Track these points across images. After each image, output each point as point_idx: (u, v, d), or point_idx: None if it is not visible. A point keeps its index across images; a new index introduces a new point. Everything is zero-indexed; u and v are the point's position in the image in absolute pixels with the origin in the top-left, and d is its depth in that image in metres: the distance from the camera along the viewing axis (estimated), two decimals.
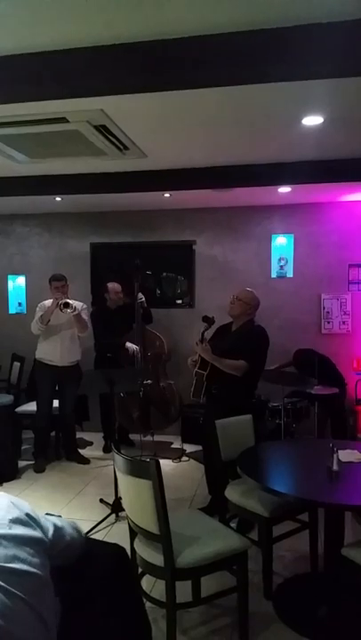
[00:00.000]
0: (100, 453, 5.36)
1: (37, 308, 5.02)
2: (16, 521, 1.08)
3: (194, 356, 3.83)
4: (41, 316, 4.87)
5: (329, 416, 5.08)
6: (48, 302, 4.94)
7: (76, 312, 4.80)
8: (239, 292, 3.86)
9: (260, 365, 3.77)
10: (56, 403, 5.10)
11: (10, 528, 1.05)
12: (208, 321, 3.86)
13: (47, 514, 1.33)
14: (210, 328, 3.89)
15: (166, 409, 5.26)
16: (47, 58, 2.24)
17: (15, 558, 1.02)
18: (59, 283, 4.89)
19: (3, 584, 0.99)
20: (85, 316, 5.00)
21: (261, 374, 3.86)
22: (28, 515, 1.12)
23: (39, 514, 1.22)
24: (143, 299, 5.25)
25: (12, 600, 0.99)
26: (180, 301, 6.17)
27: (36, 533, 1.10)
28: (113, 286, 5.40)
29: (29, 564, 1.04)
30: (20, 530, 1.06)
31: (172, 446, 5.55)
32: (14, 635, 0.99)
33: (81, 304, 5.01)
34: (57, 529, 1.26)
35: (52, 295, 4.88)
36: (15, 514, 1.09)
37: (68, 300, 4.76)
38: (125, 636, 1.42)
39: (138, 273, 5.25)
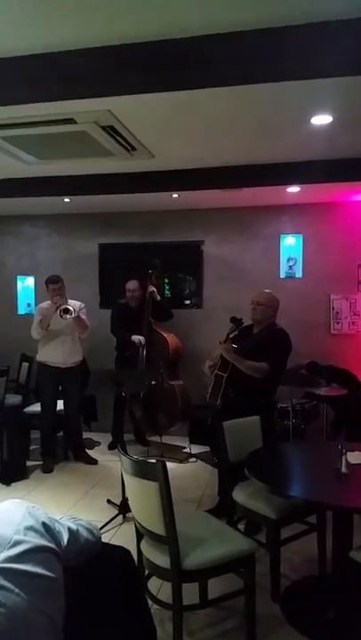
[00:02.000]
0: (107, 453, 5.37)
1: (35, 312, 4.99)
2: (31, 529, 1.10)
3: (210, 361, 3.78)
4: (40, 320, 4.84)
5: (346, 418, 5.00)
6: (46, 304, 4.90)
7: (76, 314, 4.75)
8: (258, 296, 3.78)
9: (282, 369, 3.71)
10: (61, 404, 5.10)
11: (25, 535, 1.07)
12: (236, 322, 3.79)
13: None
14: (237, 330, 3.81)
15: (169, 410, 5.23)
16: (53, 58, 2.23)
17: (28, 560, 1.03)
18: (55, 285, 4.85)
19: (13, 586, 0.98)
20: (84, 315, 4.96)
21: (282, 378, 3.78)
22: (43, 524, 1.14)
23: (55, 519, 1.23)
24: (154, 289, 5.25)
25: (22, 602, 0.98)
26: (188, 302, 6.16)
27: (50, 545, 1.12)
28: (127, 285, 5.41)
29: (42, 567, 1.05)
30: (34, 538, 1.08)
31: (180, 447, 5.54)
32: (22, 638, 0.98)
33: (79, 304, 4.96)
34: (71, 534, 1.27)
35: (50, 298, 4.84)
36: (31, 522, 1.11)
37: (68, 307, 4.71)
38: (129, 639, 1.42)
39: (155, 273, 5.26)
